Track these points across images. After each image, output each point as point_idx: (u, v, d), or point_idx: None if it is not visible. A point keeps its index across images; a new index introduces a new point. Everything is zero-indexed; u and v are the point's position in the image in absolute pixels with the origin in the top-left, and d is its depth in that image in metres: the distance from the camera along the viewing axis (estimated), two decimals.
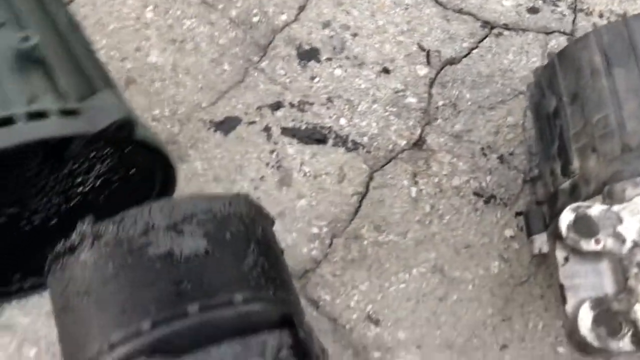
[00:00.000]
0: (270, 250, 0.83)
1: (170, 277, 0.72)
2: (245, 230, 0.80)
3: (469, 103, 1.35)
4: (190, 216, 0.75)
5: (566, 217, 0.84)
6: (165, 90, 1.30)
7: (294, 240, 1.17)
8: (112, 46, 1.34)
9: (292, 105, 1.31)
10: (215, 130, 1.27)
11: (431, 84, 1.37)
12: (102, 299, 0.73)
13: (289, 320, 0.77)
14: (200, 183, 1.20)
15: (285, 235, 1.17)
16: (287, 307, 0.80)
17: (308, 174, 1.23)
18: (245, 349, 0.70)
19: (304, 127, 1.29)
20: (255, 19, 1.42)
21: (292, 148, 1.26)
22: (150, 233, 0.73)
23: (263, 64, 1.36)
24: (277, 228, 1.12)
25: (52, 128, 0.72)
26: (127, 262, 0.73)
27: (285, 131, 1.28)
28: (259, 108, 1.30)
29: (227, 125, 1.28)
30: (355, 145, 1.27)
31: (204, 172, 1.22)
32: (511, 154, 1.29)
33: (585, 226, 0.83)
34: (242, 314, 0.73)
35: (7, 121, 0.71)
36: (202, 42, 1.37)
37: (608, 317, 0.78)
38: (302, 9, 1.45)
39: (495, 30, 1.46)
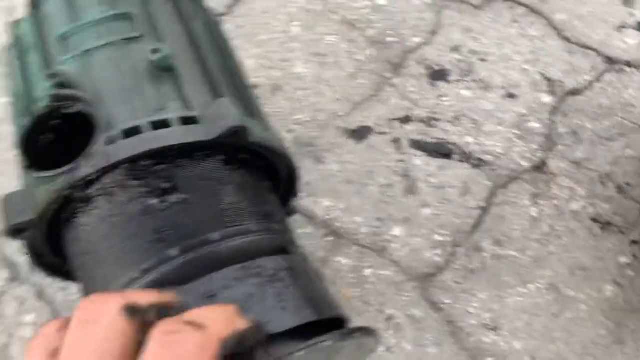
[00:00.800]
0: (249, 190, 0.84)
1: (152, 227, 0.76)
2: (221, 175, 0.81)
3: (589, 133, 1.37)
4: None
5: None
6: (307, 99, 1.37)
7: (418, 245, 1.20)
8: (262, 55, 1.42)
9: (420, 120, 1.36)
10: (349, 138, 1.32)
11: (553, 111, 1.40)
12: (99, 257, 0.78)
13: (281, 248, 0.79)
14: (335, 183, 1.26)
15: (410, 239, 1.21)
16: (273, 236, 0.81)
17: (433, 185, 1.27)
18: (245, 271, 0.72)
19: (431, 141, 1.33)
20: (390, 40, 1.47)
21: (419, 160, 1.30)
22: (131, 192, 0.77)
23: (395, 81, 1.41)
24: (403, 232, 1.17)
25: (173, 137, 0.76)
26: (114, 221, 0.77)
27: (413, 143, 1.32)
28: (390, 120, 1.35)
29: (360, 134, 1.33)
30: (480, 162, 1.31)
31: (338, 173, 1.28)
32: (629, 184, 1.30)
33: None
34: (223, 250, 0.75)
35: (134, 131, 0.77)
36: (342, 58, 1.44)
37: None
38: (433, 33, 1.50)
39: (616, 66, 1.47)
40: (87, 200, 0.81)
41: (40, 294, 1.12)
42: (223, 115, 0.79)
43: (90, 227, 0.82)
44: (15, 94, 0.94)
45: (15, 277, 1.13)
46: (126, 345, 0.40)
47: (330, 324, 0.76)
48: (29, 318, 1.09)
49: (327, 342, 0.69)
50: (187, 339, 0.42)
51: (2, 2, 1.44)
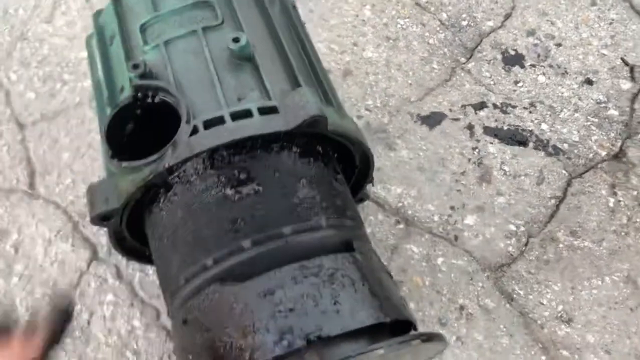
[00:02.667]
0: (322, 183, 0.83)
1: (226, 217, 0.76)
2: (296, 168, 0.82)
3: None
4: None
5: None
6: (378, 83, 1.34)
7: (492, 234, 1.17)
8: (333, 40, 1.40)
9: (495, 106, 1.32)
10: (421, 124, 1.30)
11: (634, 98, 1.33)
12: (175, 241, 0.80)
13: (347, 245, 0.79)
14: (406, 170, 1.24)
15: (483, 228, 1.18)
16: (342, 232, 0.81)
17: (508, 173, 1.24)
18: (303, 270, 0.72)
19: (505, 128, 1.29)
20: (464, 23, 1.43)
21: (493, 147, 1.27)
22: (208, 181, 0.79)
23: (469, 66, 1.37)
24: (477, 221, 1.14)
25: (253, 127, 0.76)
26: (191, 209, 0.79)
27: (487, 130, 1.29)
28: (464, 106, 1.32)
29: (432, 119, 1.30)
30: (556, 151, 1.26)
31: (409, 160, 1.25)
32: None
33: None
34: (294, 244, 0.76)
35: (216, 121, 0.77)
36: (414, 41, 1.40)
37: None
38: (508, 16, 1.45)
39: None
40: (168, 187, 0.82)
41: (119, 274, 1.14)
42: (302, 105, 0.78)
43: (169, 213, 0.82)
44: (98, 83, 0.96)
45: (95, 257, 1.15)
46: None
47: (396, 324, 0.75)
48: (109, 297, 1.12)
49: (380, 349, 0.68)
50: None
51: None
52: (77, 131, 1.27)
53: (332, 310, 0.71)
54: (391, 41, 1.39)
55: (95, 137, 1.25)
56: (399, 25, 1.41)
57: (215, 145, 0.74)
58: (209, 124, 0.76)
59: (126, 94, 0.84)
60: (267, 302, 0.71)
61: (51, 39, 1.39)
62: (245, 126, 0.76)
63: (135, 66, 0.82)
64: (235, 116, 0.76)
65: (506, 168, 1.23)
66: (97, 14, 0.99)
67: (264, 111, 0.78)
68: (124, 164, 0.77)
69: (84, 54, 1.32)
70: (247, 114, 0.77)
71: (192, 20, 0.88)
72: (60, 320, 0.49)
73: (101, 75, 0.93)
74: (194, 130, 0.76)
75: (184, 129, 0.76)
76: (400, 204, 1.19)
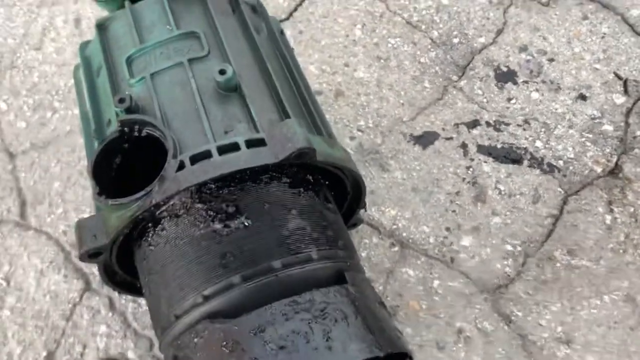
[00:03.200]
0: (313, 214, 0.82)
1: (215, 252, 0.76)
2: (286, 199, 0.81)
3: None
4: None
5: None
6: (370, 104, 1.34)
7: (488, 255, 1.16)
8: (324, 61, 1.40)
9: (488, 124, 1.31)
10: (414, 144, 1.29)
11: (628, 113, 1.32)
12: (164, 277, 0.79)
13: (339, 276, 0.78)
14: (400, 192, 1.23)
15: (479, 249, 1.17)
16: (335, 263, 0.80)
17: (503, 193, 1.23)
18: (294, 305, 0.71)
19: (500, 146, 1.28)
20: (455, 40, 1.43)
21: (487, 166, 1.26)
22: (196, 216, 0.78)
23: (461, 83, 1.37)
24: (473, 241, 1.13)
25: (240, 161, 0.75)
26: (180, 243, 0.78)
27: (481, 149, 1.28)
28: (457, 125, 1.31)
29: (425, 139, 1.29)
30: (551, 168, 1.25)
31: (402, 181, 1.24)
32: None
33: None
34: (284, 278, 0.75)
35: (203, 155, 0.76)
36: (405, 60, 1.40)
37: None
38: (499, 32, 1.44)
39: None
40: (156, 221, 0.81)
41: (112, 306, 1.13)
42: (289, 137, 0.77)
43: (158, 247, 0.82)
44: (86, 115, 0.95)
45: (87, 288, 1.14)
46: None
47: (391, 357, 0.74)
48: (102, 329, 1.10)
49: None
50: None
51: (71, 15, 1.46)
52: (68, 160, 1.26)
53: (323, 346, 0.70)
54: (382, 61, 1.38)
55: (86, 165, 1.24)
56: (389, 45, 1.41)
57: (203, 181, 0.73)
58: (195, 159, 0.75)
59: (112, 129, 0.83)
60: (258, 339, 0.70)
61: (41, 66, 1.38)
62: (233, 160, 0.75)
63: (121, 100, 0.82)
64: (222, 150, 0.76)
65: (501, 187, 1.23)
66: (84, 45, 0.99)
67: (251, 144, 0.77)
68: (111, 201, 0.76)
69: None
70: (234, 147, 0.76)
71: (178, 51, 0.87)
72: None
73: (89, 107, 0.92)
74: (181, 165, 0.75)
75: (171, 164, 0.76)
76: (395, 226, 1.18)
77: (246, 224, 0.78)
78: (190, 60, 0.86)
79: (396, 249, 1.16)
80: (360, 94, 1.35)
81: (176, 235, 0.80)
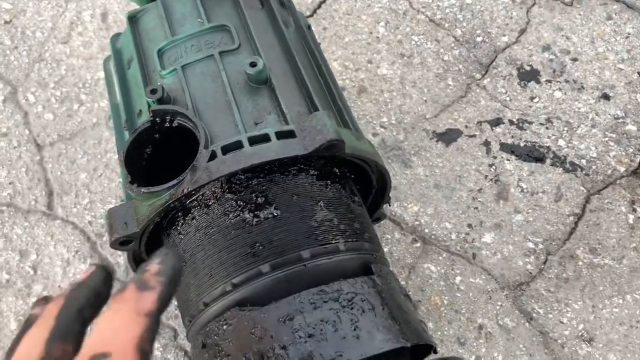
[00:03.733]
0: (340, 206, 0.83)
1: (245, 241, 0.77)
2: (313, 191, 0.82)
3: None
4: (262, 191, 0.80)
5: None
6: (393, 100, 1.34)
7: (510, 252, 1.17)
8: (347, 57, 1.41)
9: (511, 122, 1.31)
10: (437, 141, 1.29)
11: None
12: (194, 265, 0.80)
13: (366, 268, 0.79)
14: (422, 188, 1.24)
15: (501, 246, 1.17)
16: (361, 255, 0.81)
17: (525, 190, 1.23)
18: (322, 294, 0.72)
19: (522, 144, 1.29)
20: (478, 39, 1.43)
21: (510, 164, 1.26)
22: (226, 205, 0.79)
23: (485, 82, 1.37)
24: (494, 238, 1.13)
25: (271, 152, 0.76)
26: (210, 232, 0.79)
27: (504, 147, 1.28)
28: (479, 123, 1.31)
29: (448, 136, 1.30)
30: (574, 167, 1.25)
31: (425, 178, 1.25)
32: None
33: None
34: (312, 268, 0.76)
35: (234, 146, 0.77)
36: (429, 58, 1.40)
37: None
38: (522, 32, 1.45)
39: None
40: (186, 210, 0.83)
41: None
42: (319, 129, 0.78)
43: (187, 236, 0.83)
44: (116, 107, 0.96)
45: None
46: None
47: (416, 347, 0.75)
48: None
49: None
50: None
51: (98, 9, 1.48)
52: (94, 151, 1.28)
53: (351, 335, 0.71)
54: (405, 58, 1.39)
55: (112, 158, 1.26)
56: (413, 42, 1.41)
57: (234, 171, 0.74)
58: (227, 149, 0.76)
59: (144, 119, 0.85)
60: (287, 327, 0.71)
61: (68, 59, 1.40)
62: (263, 151, 0.76)
63: (153, 91, 0.83)
64: (253, 141, 0.77)
65: (523, 185, 1.23)
66: (115, 37, 1.00)
67: (281, 135, 0.78)
68: (143, 189, 0.77)
69: (101, 74, 1.34)
70: (264, 138, 0.77)
71: (209, 44, 0.89)
72: (176, 275, 0.48)
73: (119, 99, 0.94)
74: (212, 156, 0.76)
75: (203, 154, 0.77)
76: (417, 222, 1.19)
77: (275, 214, 0.79)
78: (221, 53, 0.87)
79: (418, 244, 1.17)
80: (383, 90, 1.35)
81: (206, 224, 0.81)
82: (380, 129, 1.30)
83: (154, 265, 0.44)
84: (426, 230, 1.18)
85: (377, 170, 0.92)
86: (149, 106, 0.84)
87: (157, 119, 0.83)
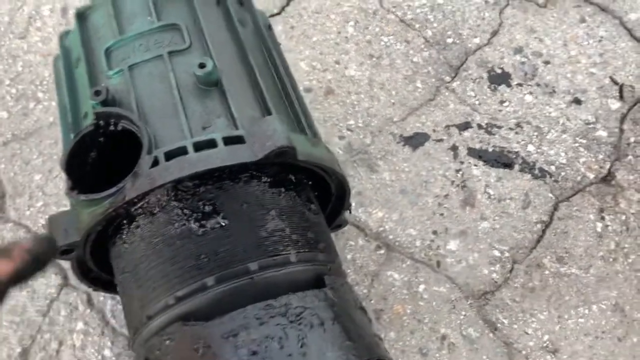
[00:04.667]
0: (293, 215, 0.80)
1: (190, 252, 0.73)
2: (265, 199, 0.78)
3: None
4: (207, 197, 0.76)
5: None
6: (360, 103, 1.31)
7: (475, 260, 1.14)
8: (314, 57, 1.37)
9: (480, 126, 1.29)
10: (404, 145, 1.27)
11: (622, 119, 1.30)
12: (138, 276, 0.76)
13: (318, 280, 0.76)
14: (388, 193, 1.21)
15: (466, 254, 1.15)
16: (314, 267, 0.78)
17: (492, 197, 1.21)
18: (269, 309, 0.69)
19: (491, 149, 1.26)
20: (449, 40, 1.40)
21: (477, 169, 1.24)
22: (171, 214, 0.75)
23: (454, 84, 1.34)
24: (460, 246, 1.11)
25: (217, 159, 0.72)
26: (154, 242, 0.75)
27: (471, 152, 1.26)
28: (447, 127, 1.29)
29: (415, 140, 1.27)
30: (543, 173, 1.23)
31: (391, 183, 1.22)
32: None
33: None
34: (260, 281, 0.72)
35: (179, 152, 0.74)
36: (398, 59, 1.37)
37: None
38: (494, 33, 1.42)
39: None
40: (131, 218, 0.79)
41: (90, 302, 1.10)
42: (269, 134, 0.75)
43: (132, 245, 0.79)
44: (64, 108, 0.93)
45: (65, 284, 1.12)
46: None
47: None
48: (79, 326, 1.08)
49: None
50: None
51: (57, 4, 1.43)
52: (50, 152, 1.23)
53: (298, 352, 0.68)
54: (374, 59, 1.36)
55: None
56: (382, 43, 1.38)
57: (176, 178, 0.71)
58: (170, 155, 0.73)
59: (87, 122, 0.81)
60: (230, 344, 0.68)
61: (25, 55, 1.35)
62: (209, 157, 0.73)
63: (97, 92, 0.80)
64: (199, 146, 0.73)
65: (491, 191, 1.20)
66: (64, 35, 0.96)
67: (229, 141, 0.75)
68: (82, 196, 0.73)
69: None
70: (211, 144, 0.74)
71: (158, 44, 0.85)
72: (42, 261, 0.48)
73: (66, 99, 0.90)
74: (155, 162, 0.73)
75: (145, 160, 0.73)
76: (381, 229, 1.16)
77: (222, 224, 0.76)
78: (170, 53, 0.84)
79: (382, 251, 1.14)
80: (350, 92, 1.32)
81: (151, 234, 0.78)
82: (346, 132, 1.27)
83: (28, 242, 0.44)
84: (390, 237, 1.15)
85: (336, 177, 0.88)
86: (94, 108, 0.80)
87: (100, 122, 0.79)
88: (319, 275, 0.78)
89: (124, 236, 0.80)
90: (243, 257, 0.74)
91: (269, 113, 0.82)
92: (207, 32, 0.87)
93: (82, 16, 0.92)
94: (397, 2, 1.44)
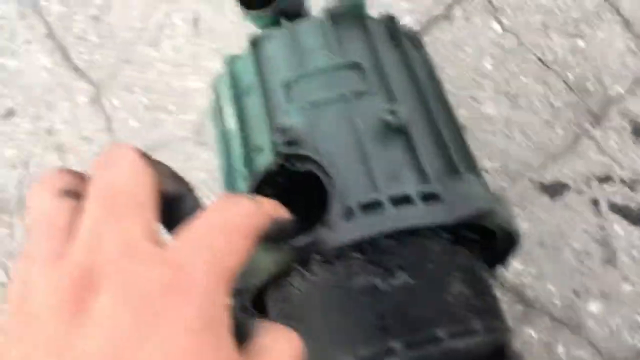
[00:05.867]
0: (474, 277, 0.75)
1: (374, 310, 0.68)
2: (447, 258, 0.73)
3: None
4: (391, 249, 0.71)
5: None
6: (497, 143, 1.26)
7: (618, 325, 1.08)
8: (449, 91, 1.32)
9: (623, 181, 1.23)
10: (543, 193, 1.21)
11: None
12: (310, 327, 0.72)
13: (499, 351, 0.72)
14: (526, 244, 1.15)
15: (608, 318, 1.09)
16: (496, 336, 0.72)
17: (636, 259, 1.14)
18: None
19: (634, 207, 1.20)
20: (590, 86, 1.34)
21: (620, 227, 1.17)
22: (353, 266, 0.70)
23: (595, 133, 1.28)
24: (601, 308, 1.05)
25: (415, 217, 0.69)
26: (333, 294, 0.71)
27: (613, 207, 1.20)
28: (588, 178, 1.23)
29: (555, 190, 1.22)
30: None
31: (529, 233, 1.17)
32: None
33: None
34: (447, 350, 0.67)
35: (374, 205, 0.69)
36: (536, 101, 1.32)
37: None
38: (638, 82, 1.36)
39: None
40: (304, 263, 0.76)
41: None
42: (468, 195, 0.71)
43: (303, 293, 0.76)
44: (225, 135, 0.90)
45: None
46: (149, 178, 0.35)
47: None
48: None
49: None
50: (245, 201, 0.38)
51: (189, 13, 1.42)
52: (181, 167, 1.21)
53: None
54: (512, 99, 1.31)
55: (199, 176, 1.20)
56: (521, 82, 1.33)
57: (376, 234, 0.67)
58: (365, 207, 0.69)
59: (267, 159, 0.78)
60: None
61: (156, 64, 1.34)
62: (407, 215, 0.69)
63: (283, 131, 0.77)
64: (395, 201, 0.70)
65: (634, 252, 1.14)
66: (230, 59, 0.94)
67: (424, 197, 0.71)
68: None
69: (191, 84, 1.28)
70: (406, 199, 0.70)
71: (341, 82, 0.82)
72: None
73: (234, 128, 0.87)
74: (349, 212, 0.69)
75: (337, 210, 0.70)
76: (518, 282, 1.11)
77: (408, 282, 0.72)
78: (354, 94, 0.80)
79: (520, 307, 1.09)
80: (486, 131, 1.28)
81: (328, 284, 0.74)
82: (482, 172, 1.22)
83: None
84: (528, 292, 1.10)
85: (507, 237, 0.84)
86: (273, 145, 0.77)
87: (285, 163, 0.76)
88: (500, 346, 0.74)
89: (294, 281, 0.77)
90: (430, 322, 0.70)
91: (453, 165, 0.78)
92: (390, 74, 0.83)
93: (256, 43, 0.90)
94: (536, 41, 1.39)
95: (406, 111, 0.79)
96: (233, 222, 0.36)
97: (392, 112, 0.77)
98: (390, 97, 0.82)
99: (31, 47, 1.37)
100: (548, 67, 1.36)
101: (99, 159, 0.37)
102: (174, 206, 0.40)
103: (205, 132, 1.24)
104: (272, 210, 0.44)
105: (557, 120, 1.30)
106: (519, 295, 1.10)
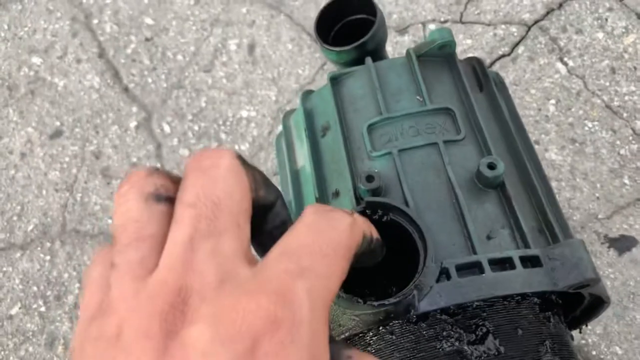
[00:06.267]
0: (563, 345, 0.69)
1: None
2: (538, 325, 0.68)
3: None
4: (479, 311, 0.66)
5: None
6: (561, 192, 1.21)
7: None
8: None
9: None
10: (609, 247, 1.15)
11: None
12: None
13: None
14: None
15: None
16: None
17: None
18: None
19: None
20: None
21: None
22: (439, 329, 0.65)
23: None
24: None
25: (516, 283, 0.63)
26: (415, 357, 0.65)
27: None
28: None
29: (622, 244, 1.16)
30: None
31: None
32: None
33: None
34: None
35: (475, 267, 0.65)
36: (603, 149, 1.27)
37: None
38: None
39: None
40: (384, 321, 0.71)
41: None
42: (574, 262, 0.66)
43: (380, 352, 0.71)
44: (296, 174, 0.86)
45: None
46: (247, 188, 0.31)
47: None
48: None
49: None
50: (341, 216, 0.34)
51: (245, 39, 1.38)
52: None
53: None
54: (577, 144, 1.26)
55: None
56: (586, 128, 1.28)
57: (475, 300, 0.62)
58: (462, 269, 0.64)
59: (346, 205, 0.73)
60: None
61: (209, 91, 1.30)
62: (508, 281, 0.64)
63: (369, 178, 0.72)
64: (494, 264, 0.64)
65: None
66: (306, 95, 0.89)
67: (525, 261, 0.66)
68: (344, 295, 0.65)
69: (243, 112, 1.24)
70: (506, 262, 0.65)
71: (430, 129, 0.77)
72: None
73: (307, 168, 0.82)
74: (445, 273, 0.64)
75: (431, 270, 0.64)
76: (583, 342, 1.05)
77: (499, 350, 0.67)
78: (446, 142, 0.75)
79: None
80: (551, 178, 1.22)
81: (409, 346, 0.69)
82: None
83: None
84: (593, 353, 1.04)
85: (594, 299, 0.78)
86: (355, 190, 0.73)
87: (367, 211, 0.71)
88: None
89: (369, 339, 0.72)
90: None
91: (549, 225, 0.73)
92: (481, 121, 0.78)
93: (336, 81, 0.85)
94: (603, 85, 1.34)
95: (504, 165, 0.75)
96: (331, 241, 0.31)
97: (491, 167, 0.72)
98: (485, 147, 0.76)
99: (81, 67, 1.33)
100: (615, 113, 1.31)
101: (194, 160, 0.32)
102: (260, 214, 0.35)
103: (259, 164, 1.20)
104: (366, 227, 0.40)
105: (624, 170, 1.24)
106: (584, 356, 1.04)
